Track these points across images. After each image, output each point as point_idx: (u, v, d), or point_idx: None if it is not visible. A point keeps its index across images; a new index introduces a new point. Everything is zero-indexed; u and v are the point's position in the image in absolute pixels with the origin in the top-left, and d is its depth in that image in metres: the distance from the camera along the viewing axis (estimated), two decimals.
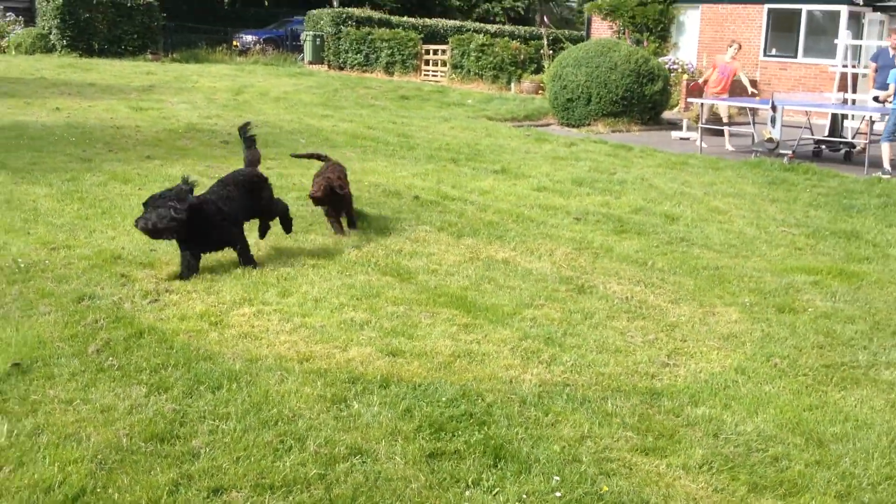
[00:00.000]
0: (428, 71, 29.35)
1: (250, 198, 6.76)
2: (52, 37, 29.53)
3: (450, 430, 4.03)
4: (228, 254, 6.70)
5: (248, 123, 7.52)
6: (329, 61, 31.50)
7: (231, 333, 5.21)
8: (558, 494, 3.54)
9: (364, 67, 30.40)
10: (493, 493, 3.54)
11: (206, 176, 10.19)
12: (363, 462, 3.72)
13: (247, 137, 7.31)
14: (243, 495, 3.41)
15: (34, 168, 10.07)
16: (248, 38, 36.60)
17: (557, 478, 3.66)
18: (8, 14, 30.88)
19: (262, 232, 7.18)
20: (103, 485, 3.43)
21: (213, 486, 3.46)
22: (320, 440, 3.87)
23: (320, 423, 4.05)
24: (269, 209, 7.07)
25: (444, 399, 4.34)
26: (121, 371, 4.52)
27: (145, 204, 6.05)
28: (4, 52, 29.21)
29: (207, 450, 3.74)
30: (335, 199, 7.53)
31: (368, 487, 3.52)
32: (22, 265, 6.30)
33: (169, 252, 6.88)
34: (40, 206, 8.16)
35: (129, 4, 30.52)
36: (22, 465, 3.54)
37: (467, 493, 3.53)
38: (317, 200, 7.46)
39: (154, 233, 6.03)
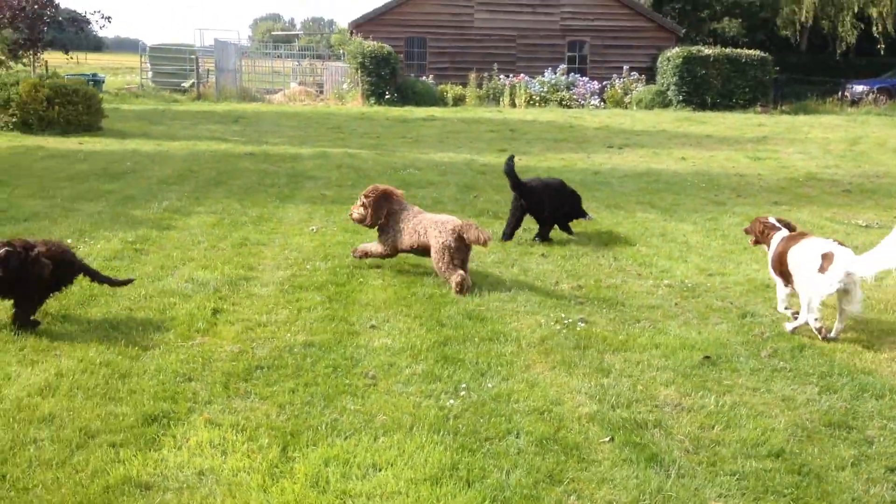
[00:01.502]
0: None
1: None
2: (669, 93, 32.27)
3: None
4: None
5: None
6: None
7: (885, 356, 5.78)
8: None
9: None
10: None
11: (833, 221, 10.73)
12: None
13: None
14: None
15: (677, 208, 11.58)
16: (860, 88, 35.68)
17: None
18: (633, 73, 34.48)
19: None
20: (797, 449, 4.32)
21: (889, 465, 4.16)
22: None
23: None
24: None
25: None
26: (793, 373, 5.41)
27: None
28: (627, 107, 32.70)
29: (880, 439, 4.43)
30: None
31: None
32: (689, 285, 7.57)
33: None
34: (690, 240, 9.49)
35: (743, 60, 32.03)
36: (730, 427, 4.59)
37: None
38: None
39: None
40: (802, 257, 6.15)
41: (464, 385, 5.07)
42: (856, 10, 40.50)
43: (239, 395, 4.89)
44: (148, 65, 37.66)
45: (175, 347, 5.59)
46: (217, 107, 28.60)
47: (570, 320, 6.38)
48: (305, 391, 4.92)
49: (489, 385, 5.09)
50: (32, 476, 3.94)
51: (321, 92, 36.50)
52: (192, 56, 34.84)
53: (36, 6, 26.27)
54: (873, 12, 39.88)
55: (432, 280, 7.42)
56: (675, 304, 6.98)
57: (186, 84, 34.80)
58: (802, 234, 6.65)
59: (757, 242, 7.16)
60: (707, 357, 5.64)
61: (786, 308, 6.63)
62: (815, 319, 5.98)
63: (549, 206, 9.10)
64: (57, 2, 27.04)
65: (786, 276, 6.49)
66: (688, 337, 6.06)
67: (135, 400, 4.75)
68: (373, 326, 6.11)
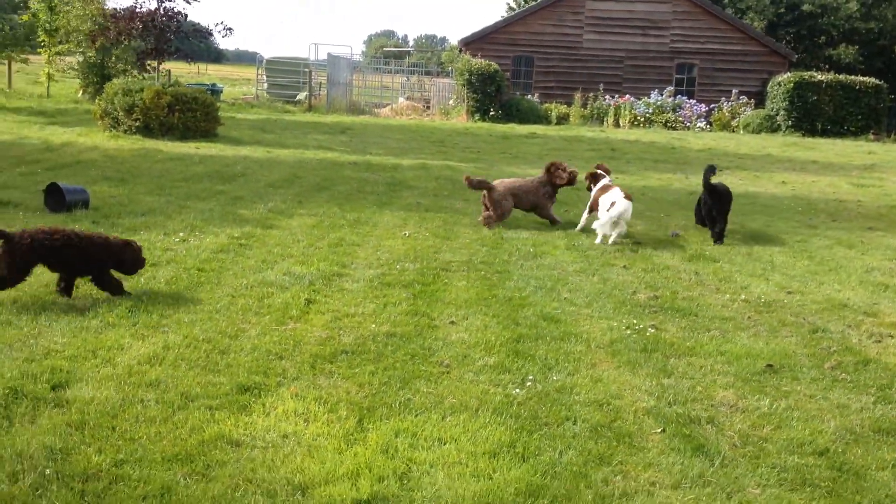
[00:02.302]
0: None
1: None
2: (778, 118, 31.82)
3: None
4: None
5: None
6: None
7: None
8: None
9: None
10: None
11: None
12: None
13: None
14: None
15: (768, 229, 11.63)
16: None
17: None
18: (741, 97, 34.10)
19: None
20: (842, 450, 4.54)
21: None
22: None
23: None
24: None
25: None
26: (852, 384, 5.57)
27: None
28: (734, 130, 32.36)
29: None
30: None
31: None
32: (766, 300, 7.72)
33: (891, 307, 7.68)
34: (775, 260, 9.58)
35: (857, 87, 31.34)
36: (780, 427, 4.82)
37: None
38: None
39: None
40: (603, 202, 10.16)
41: (531, 377, 5.42)
42: None
43: (324, 374, 5.36)
44: (264, 76, 39.25)
45: (270, 330, 6.11)
46: (326, 118, 29.65)
47: (641, 326, 6.65)
48: (384, 374, 5.36)
49: (554, 378, 5.42)
50: (138, 429, 4.48)
51: (428, 107, 37.33)
52: (306, 69, 36.15)
53: (164, 18, 27.83)
54: None
55: (514, 284, 7.79)
56: (749, 317, 7.16)
57: (301, 96, 36.13)
58: (609, 186, 10.48)
59: (590, 189, 10.97)
60: (770, 365, 5.84)
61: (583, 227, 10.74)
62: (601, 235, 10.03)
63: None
64: (184, 13, 28.57)
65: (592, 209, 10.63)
66: (754, 347, 6.26)
67: (231, 372, 5.28)
68: (452, 322, 6.52)
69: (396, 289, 7.39)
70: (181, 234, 9.04)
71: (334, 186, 13.35)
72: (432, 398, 5.03)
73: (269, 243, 8.97)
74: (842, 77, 32.28)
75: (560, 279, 8.13)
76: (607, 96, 34.38)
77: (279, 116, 29.38)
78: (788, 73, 32.96)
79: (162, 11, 28.01)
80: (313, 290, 7.23)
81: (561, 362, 5.73)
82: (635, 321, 6.80)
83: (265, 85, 38.77)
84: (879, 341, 6.63)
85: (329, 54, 37.13)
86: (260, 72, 40.28)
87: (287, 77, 37.83)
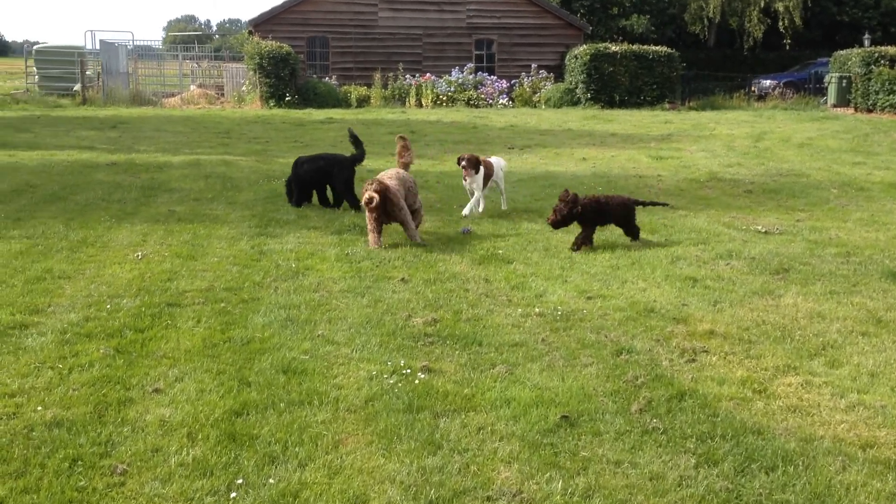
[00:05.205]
0: None
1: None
2: (577, 91, 31.55)
3: None
4: None
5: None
6: (856, 104, 29.25)
7: (778, 405, 4.77)
8: None
9: None
10: None
11: (731, 227, 9.85)
12: None
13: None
14: None
15: None
16: (767, 82, 35.58)
17: None
18: (541, 71, 33.69)
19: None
20: None
21: None
22: None
23: None
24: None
25: None
26: (666, 436, 4.34)
27: None
28: (535, 105, 31.87)
29: None
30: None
31: None
32: (563, 312, 6.50)
33: (701, 308, 6.65)
34: (574, 255, 8.46)
35: (650, 57, 31.47)
36: None
37: None
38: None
39: None
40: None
41: (241, 480, 3.87)
42: (762, 5, 40.54)
43: None
44: (35, 68, 35.47)
45: None
46: (101, 112, 26.80)
47: (411, 369, 5.24)
48: (20, 501, 3.66)
49: (275, 479, 3.89)
50: None
51: (222, 94, 34.83)
52: (81, 59, 32.82)
53: None
54: (780, 7, 39.95)
55: (260, 318, 6.21)
56: (543, 339, 5.90)
57: (77, 87, 32.80)
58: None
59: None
60: (565, 417, 4.55)
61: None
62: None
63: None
64: None
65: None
66: (548, 387, 4.97)
67: None
68: (156, 390, 4.86)
69: (96, 341, 5.64)
70: None
71: (74, 196, 11.25)
72: None
73: None
74: (635, 47, 32.33)
75: (321, 305, 6.61)
76: (408, 76, 33.10)
77: (47, 112, 26.32)
78: (584, 46, 32.74)
79: None
80: None
81: (291, 446, 4.21)
82: (404, 361, 5.39)
83: (36, 78, 35.01)
84: (693, 360, 5.50)
85: (102, 41, 33.87)
86: (30, 63, 36.38)
87: (60, 68, 34.26)
